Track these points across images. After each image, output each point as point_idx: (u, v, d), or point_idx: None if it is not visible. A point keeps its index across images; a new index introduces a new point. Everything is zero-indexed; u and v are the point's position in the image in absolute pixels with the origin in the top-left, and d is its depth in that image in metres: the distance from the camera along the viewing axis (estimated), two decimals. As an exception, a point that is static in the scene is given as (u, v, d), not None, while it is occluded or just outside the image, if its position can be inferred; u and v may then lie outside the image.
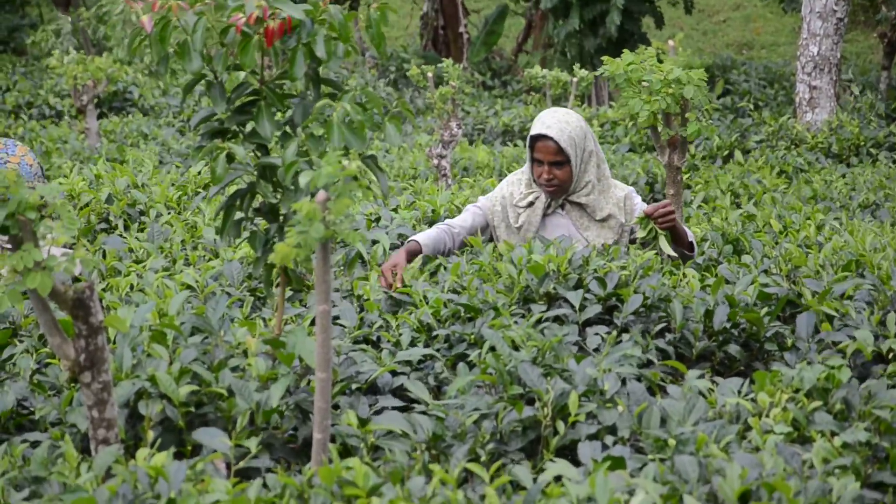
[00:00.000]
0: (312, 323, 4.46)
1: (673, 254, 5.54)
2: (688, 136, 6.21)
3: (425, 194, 8.36)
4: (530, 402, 3.82)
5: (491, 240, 5.96)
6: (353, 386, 3.96)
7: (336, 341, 4.29)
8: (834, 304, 4.64)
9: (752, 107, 17.04)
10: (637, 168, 11.48)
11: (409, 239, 5.68)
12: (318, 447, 3.26)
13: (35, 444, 3.70)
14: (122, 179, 7.30)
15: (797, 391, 3.68)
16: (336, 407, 3.83)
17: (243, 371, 3.87)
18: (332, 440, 3.60)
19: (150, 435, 3.51)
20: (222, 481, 3.07)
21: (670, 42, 6.41)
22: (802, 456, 3.28)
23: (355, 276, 5.29)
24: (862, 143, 13.44)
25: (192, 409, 3.64)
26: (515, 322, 4.47)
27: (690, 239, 5.71)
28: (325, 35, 3.84)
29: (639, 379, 4.04)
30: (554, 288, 4.75)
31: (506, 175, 12.40)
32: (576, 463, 3.54)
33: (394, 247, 6.19)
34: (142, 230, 6.79)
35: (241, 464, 3.43)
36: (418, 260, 5.38)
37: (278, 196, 4.02)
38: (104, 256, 5.91)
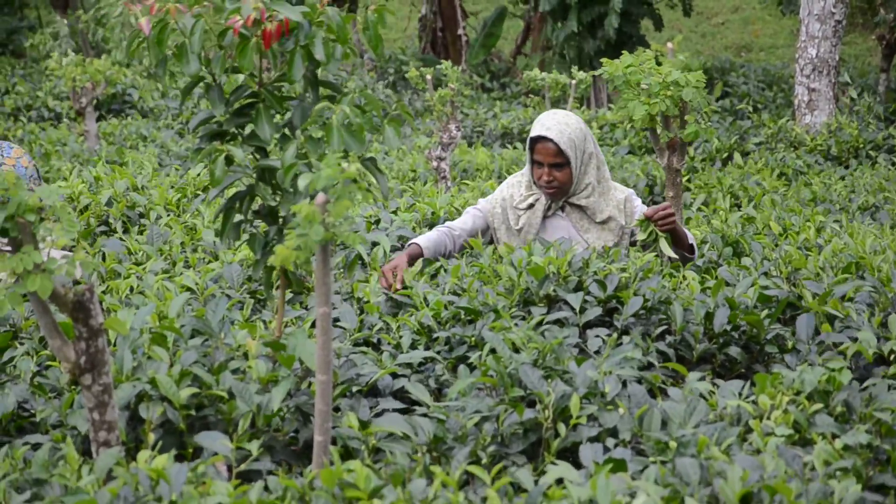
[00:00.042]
0: (313, 325, 4.46)
1: (674, 256, 5.54)
2: (686, 138, 6.21)
3: (425, 196, 8.36)
4: (531, 404, 3.82)
5: (491, 242, 5.96)
6: (354, 388, 3.95)
7: (336, 343, 4.29)
8: (836, 305, 4.64)
9: (751, 109, 17.04)
10: (636, 170, 11.49)
11: (410, 242, 5.68)
12: (319, 449, 3.26)
13: (36, 447, 3.70)
14: (121, 182, 7.30)
15: (798, 393, 3.68)
16: (337, 409, 3.83)
17: (244, 373, 3.87)
18: (333, 442, 3.60)
19: (151, 437, 3.50)
20: (223, 484, 3.07)
21: (669, 44, 6.41)
22: (803, 458, 3.28)
23: (355, 279, 5.29)
24: (861, 146, 13.45)
25: (193, 411, 3.64)
26: (516, 324, 4.47)
27: (691, 241, 5.71)
28: (322, 37, 3.84)
29: (639, 381, 4.04)
30: (554, 290, 4.75)
31: (505, 177, 12.40)
32: (577, 465, 3.54)
33: (394, 249, 6.19)
34: (141, 233, 6.79)
35: (243, 466, 3.43)
36: (419, 263, 5.38)
37: (277, 198, 4.02)
38: (104, 259, 5.91)
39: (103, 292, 5.18)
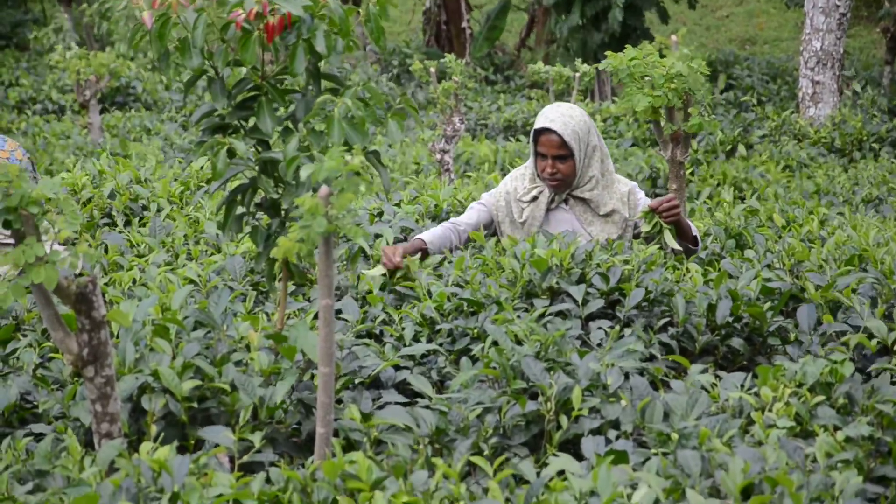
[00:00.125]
0: (315, 317, 4.46)
1: (678, 247, 5.54)
2: (690, 130, 6.21)
3: (428, 189, 8.36)
4: (533, 396, 3.83)
5: (495, 235, 5.96)
6: (356, 380, 3.96)
7: (339, 336, 4.30)
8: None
9: (755, 102, 17.03)
10: (640, 162, 11.48)
11: (415, 237, 5.68)
12: (321, 441, 3.27)
13: (39, 438, 3.71)
14: (124, 174, 7.30)
15: (800, 385, 3.68)
16: (339, 401, 3.84)
17: (246, 365, 3.87)
18: (336, 434, 3.61)
19: (154, 429, 3.51)
20: (225, 475, 3.07)
21: (673, 37, 6.41)
22: (805, 450, 3.28)
23: (358, 271, 5.29)
24: (865, 138, 13.44)
25: (195, 403, 3.64)
26: (518, 316, 4.47)
27: (694, 233, 5.71)
28: (324, 30, 3.84)
29: (642, 373, 4.04)
30: (557, 282, 4.75)
31: (508, 170, 12.40)
32: (579, 457, 3.55)
33: (397, 241, 6.19)
34: (144, 225, 6.79)
35: (245, 458, 3.43)
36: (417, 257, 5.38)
37: (280, 191, 4.02)
38: (106, 251, 5.91)
39: (106, 284, 5.18)
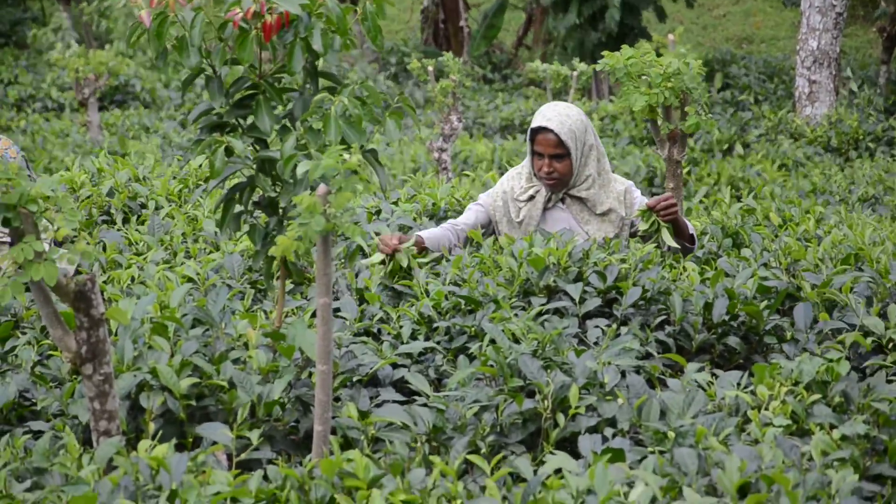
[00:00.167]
0: (313, 315, 4.47)
1: (675, 245, 5.55)
2: (687, 129, 6.22)
3: (426, 188, 8.36)
4: (530, 394, 3.84)
5: (494, 235, 5.96)
6: (354, 378, 3.97)
7: (337, 333, 4.30)
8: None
9: (751, 100, 17.04)
10: (638, 161, 11.49)
11: (414, 234, 5.69)
12: (318, 439, 3.27)
13: (37, 436, 3.71)
14: (123, 172, 7.31)
15: (796, 384, 3.69)
16: (337, 399, 3.84)
17: (244, 363, 3.88)
18: (333, 432, 3.62)
19: (152, 427, 3.52)
20: (223, 473, 3.08)
21: (670, 36, 6.42)
22: (801, 448, 3.29)
23: (356, 269, 5.30)
24: (861, 137, 13.46)
25: (194, 401, 3.65)
26: (516, 315, 4.48)
27: (691, 231, 5.72)
28: (322, 29, 3.85)
29: (638, 371, 4.05)
30: (554, 281, 4.76)
31: (506, 168, 12.41)
32: (576, 455, 3.55)
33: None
34: (142, 223, 6.80)
35: (243, 455, 3.44)
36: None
37: (277, 189, 4.03)
38: (104, 249, 5.92)
39: (104, 282, 5.19)
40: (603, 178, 5.88)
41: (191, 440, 3.62)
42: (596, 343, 4.33)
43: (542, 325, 4.38)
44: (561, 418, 3.59)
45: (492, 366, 3.85)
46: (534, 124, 5.78)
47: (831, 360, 3.70)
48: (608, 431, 3.56)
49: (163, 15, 3.85)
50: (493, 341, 4.08)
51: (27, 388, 3.96)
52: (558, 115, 5.75)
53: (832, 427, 3.50)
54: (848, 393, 3.63)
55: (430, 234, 5.68)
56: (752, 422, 3.50)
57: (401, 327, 4.47)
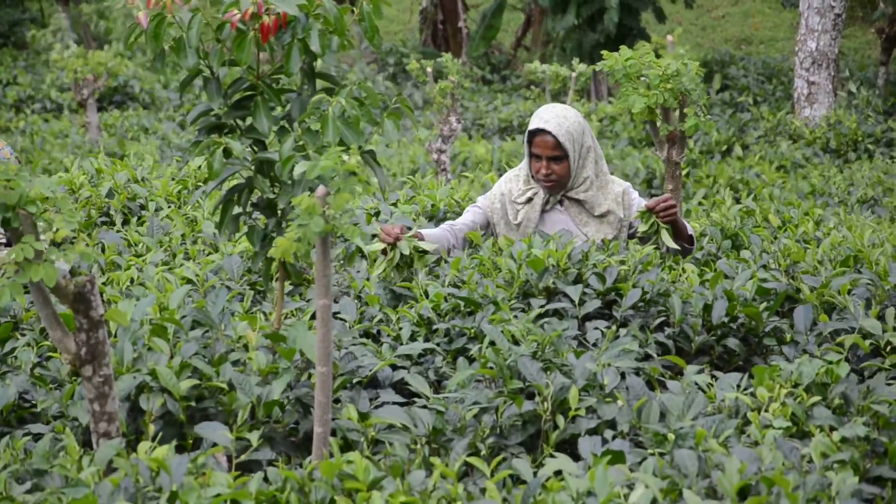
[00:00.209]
0: (313, 317, 4.47)
1: (675, 247, 5.55)
2: (686, 131, 6.22)
3: (425, 189, 8.36)
4: (530, 396, 3.83)
5: (492, 237, 5.96)
6: (354, 380, 3.97)
7: (336, 334, 4.30)
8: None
9: (750, 102, 17.04)
10: (636, 163, 11.50)
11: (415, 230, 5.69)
12: (318, 441, 3.27)
13: (37, 438, 3.71)
14: (122, 173, 7.30)
15: (796, 386, 3.69)
16: (337, 401, 3.84)
17: (244, 365, 3.88)
18: (333, 434, 3.62)
19: (152, 428, 3.51)
20: (223, 475, 3.08)
21: (669, 37, 6.42)
22: (801, 450, 3.29)
23: (355, 270, 5.30)
24: (860, 139, 13.46)
25: (193, 402, 3.65)
26: (515, 316, 4.47)
27: (690, 233, 5.72)
28: (319, 29, 3.85)
29: (638, 373, 4.05)
30: (553, 282, 4.76)
31: (505, 170, 12.41)
32: (575, 457, 3.55)
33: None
34: (142, 224, 6.79)
35: (243, 457, 3.44)
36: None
37: (276, 191, 4.03)
38: (103, 251, 5.92)
39: (104, 284, 5.19)
40: (601, 179, 5.88)
41: (191, 442, 3.61)
42: (595, 345, 4.33)
43: (542, 327, 4.38)
44: (561, 420, 3.59)
45: (491, 367, 3.85)
46: (531, 126, 5.78)
47: (831, 363, 3.70)
48: (608, 433, 3.56)
49: (160, 16, 3.85)
50: (492, 343, 4.08)
51: (27, 389, 3.96)
52: (556, 117, 5.75)
53: (832, 429, 3.50)
54: (848, 395, 3.63)
55: (429, 234, 5.68)
56: (752, 424, 3.50)
57: (400, 329, 4.47)
